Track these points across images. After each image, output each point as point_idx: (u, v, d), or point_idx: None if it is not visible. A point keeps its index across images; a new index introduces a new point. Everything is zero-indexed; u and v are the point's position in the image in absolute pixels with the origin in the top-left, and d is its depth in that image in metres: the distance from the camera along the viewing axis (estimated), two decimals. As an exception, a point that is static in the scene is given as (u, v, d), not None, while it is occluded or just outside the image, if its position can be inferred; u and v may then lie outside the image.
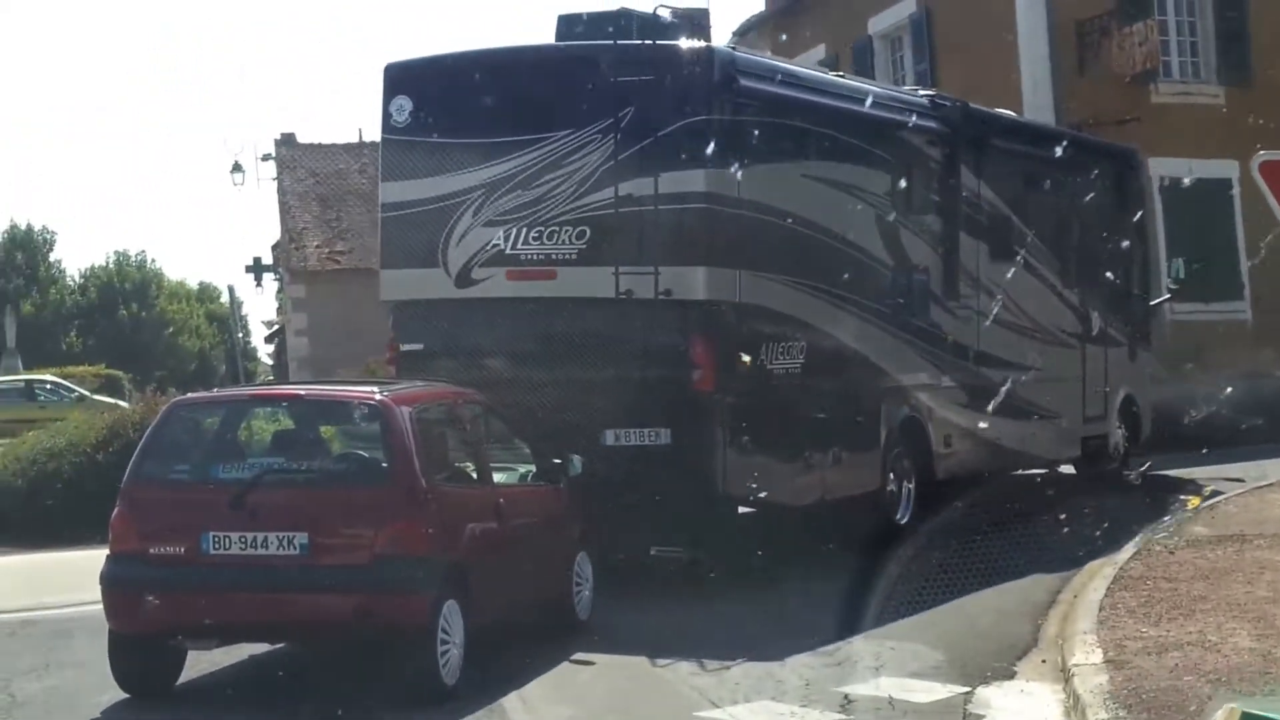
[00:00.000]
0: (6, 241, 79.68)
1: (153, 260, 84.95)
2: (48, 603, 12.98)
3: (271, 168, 40.76)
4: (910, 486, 15.12)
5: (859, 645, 10.60)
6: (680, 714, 9.13)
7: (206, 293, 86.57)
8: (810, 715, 8.99)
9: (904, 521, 14.99)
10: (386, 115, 13.70)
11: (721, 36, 29.25)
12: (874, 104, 15.19)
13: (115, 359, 61.52)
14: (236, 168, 39.24)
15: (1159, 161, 23.94)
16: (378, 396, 9.88)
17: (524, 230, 13.10)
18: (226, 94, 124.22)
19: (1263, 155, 9.58)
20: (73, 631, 11.45)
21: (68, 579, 13.02)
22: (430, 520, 9.39)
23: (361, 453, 10.17)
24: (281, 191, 40.61)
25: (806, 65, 23.52)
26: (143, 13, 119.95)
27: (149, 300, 79.85)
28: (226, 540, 9.26)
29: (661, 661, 10.22)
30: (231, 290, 46.83)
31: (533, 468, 11.30)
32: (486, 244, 13.25)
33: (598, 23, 13.56)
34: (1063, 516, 14.91)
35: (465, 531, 9.85)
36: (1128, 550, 13.29)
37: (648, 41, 13.09)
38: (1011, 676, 9.82)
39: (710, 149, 12.83)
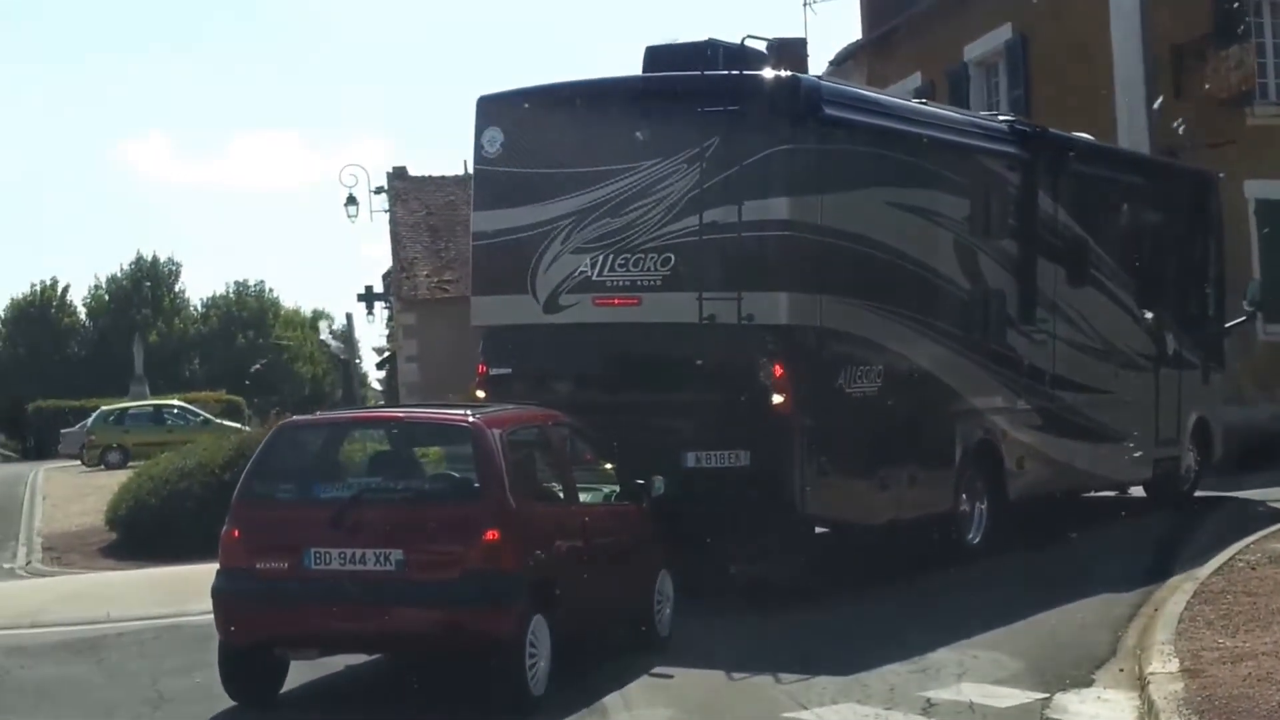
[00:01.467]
0: (134, 272, 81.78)
1: (270, 289, 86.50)
2: (188, 610, 13.42)
3: (383, 199, 41.42)
4: (983, 507, 15.15)
5: (942, 655, 10.82)
6: (768, 714, 9.45)
7: (320, 320, 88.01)
8: (893, 717, 9.27)
9: (976, 541, 15.06)
10: (479, 146, 14.02)
11: (818, 66, 29.58)
12: (953, 130, 15.37)
13: (234, 385, 62.96)
14: (350, 200, 39.89)
15: (1254, 184, 23.78)
16: (470, 419, 10.22)
17: (610, 257, 13.36)
18: (344, 128, 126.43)
19: None
20: (212, 636, 11.69)
21: (204, 588, 13.43)
22: (518, 538, 9.70)
23: (454, 473, 10.51)
24: (394, 223, 41.10)
25: (902, 92, 23.80)
26: (265, 55, 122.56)
27: (265, 328, 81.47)
28: (327, 556, 9.66)
29: (737, 675, 10.44)
30: (350, 318, 48.00)
31: (616, 488, 11.56)
32: (574, 271, 13.50)
33: (685, 54, 13.76)
34: (1142, 535, 14.99)
35: (552, 549, 10.14)
36: (1209, 566, 13.34)
37: (733, 72, 13.24)
38: (1089, 684, 9.99)
39: (793, 177, 13.06)
